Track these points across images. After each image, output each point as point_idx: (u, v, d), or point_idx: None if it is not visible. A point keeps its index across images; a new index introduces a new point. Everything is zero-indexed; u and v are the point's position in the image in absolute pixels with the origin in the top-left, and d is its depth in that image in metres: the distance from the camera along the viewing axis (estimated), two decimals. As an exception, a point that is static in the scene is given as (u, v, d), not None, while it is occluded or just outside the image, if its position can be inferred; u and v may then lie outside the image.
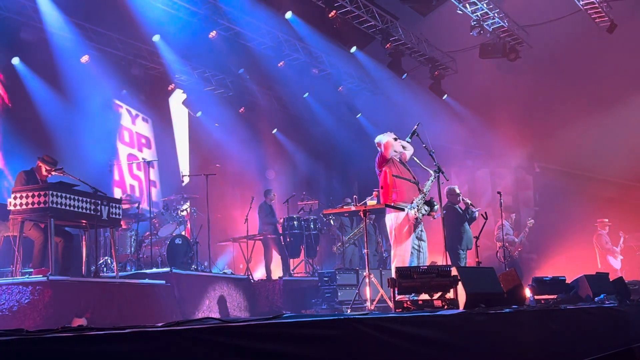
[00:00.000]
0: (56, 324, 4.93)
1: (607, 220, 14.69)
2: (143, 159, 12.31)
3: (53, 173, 8.46)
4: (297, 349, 3.48)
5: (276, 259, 12.62)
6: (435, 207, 7.79)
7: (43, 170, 8.29)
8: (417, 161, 8.15)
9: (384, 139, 8.01)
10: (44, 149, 9.47)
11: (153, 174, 13.20)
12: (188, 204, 11.52)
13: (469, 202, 10.75)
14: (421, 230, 7.89)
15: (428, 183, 7.87)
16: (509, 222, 13.72)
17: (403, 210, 7.71)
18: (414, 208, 7.68)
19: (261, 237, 12.24)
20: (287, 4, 12.60)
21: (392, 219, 7.81)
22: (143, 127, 14.46)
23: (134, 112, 14.17)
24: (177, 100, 14.81)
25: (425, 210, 7.74)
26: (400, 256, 7.70)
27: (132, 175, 13.93)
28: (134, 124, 14.19)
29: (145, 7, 11.86)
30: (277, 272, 12.46)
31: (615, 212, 15.16)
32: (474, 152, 17.92)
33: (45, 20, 11.52)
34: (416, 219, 7.67)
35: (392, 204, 7.73)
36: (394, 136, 8.06)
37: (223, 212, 14.45)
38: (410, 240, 7.71)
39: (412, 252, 7.73)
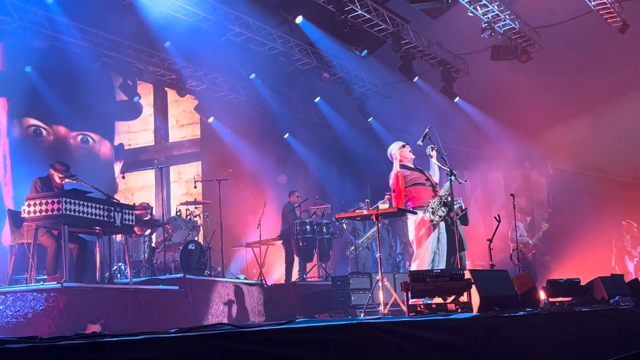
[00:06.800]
0: (70, 331, 4.95)
1: (635, 224, 14.53)
2: (156, 165, 12.34)
3: (67, 180, 8.52)
4: (310, 354, 3.48)
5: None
6: (455, 207, 7.76)
7: (56, 177, 8.35)
8: (439, 164, 8.11)
9: (393, 150, 8.12)
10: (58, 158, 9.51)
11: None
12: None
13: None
14: (442, 234, 7.86)
15: (446, 185, 7.83)
16: (523, 224, 13.60)
17: (416, 214, 7.74)
18: (428, 211, 7.67)
19: (281, 239, 12.21)
20: (298, 9, 12.59)
21: (413, 222, 7.88)
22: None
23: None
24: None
25: (443, 212, 7.72)
26: (420, 259, 7.73)
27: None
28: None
29: (157, 14, 11.91)
30: (293, 276, 12.38)
31: (629, 213, 15.04)
32: (486, 154, 17.84)
33: (58, 28, 11.60)
34: (431, 221, 7.67)
35: (406, 209, 7.74)
36: (402, 143, 8.15)
37: (236, 217, 14.46)
38: (429, 243, 7.71)
39: (433, 254, 7.73)
